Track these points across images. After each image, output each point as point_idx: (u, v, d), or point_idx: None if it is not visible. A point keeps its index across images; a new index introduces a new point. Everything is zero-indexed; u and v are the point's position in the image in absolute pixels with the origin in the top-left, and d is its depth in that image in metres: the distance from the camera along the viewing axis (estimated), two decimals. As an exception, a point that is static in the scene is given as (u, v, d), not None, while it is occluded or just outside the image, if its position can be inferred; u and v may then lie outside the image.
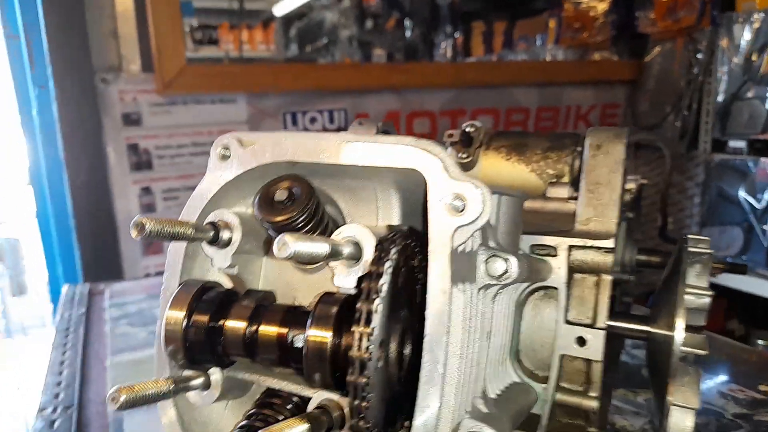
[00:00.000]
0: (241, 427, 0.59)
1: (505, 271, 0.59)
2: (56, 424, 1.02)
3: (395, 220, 0.63)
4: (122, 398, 0.54)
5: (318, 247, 0.51)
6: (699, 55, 3.14)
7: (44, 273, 2.70)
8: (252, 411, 0.61)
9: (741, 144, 3.00)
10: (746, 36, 2.91)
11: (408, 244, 0.57)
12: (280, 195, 0.60)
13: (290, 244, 0.48)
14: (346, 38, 5.59)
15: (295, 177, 0.61)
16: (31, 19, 2.39)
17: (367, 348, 0.48)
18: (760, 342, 2.92)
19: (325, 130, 2.80)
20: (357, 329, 0.48)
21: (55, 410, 1.07)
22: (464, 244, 0.56)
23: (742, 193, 2.95)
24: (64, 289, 1.89)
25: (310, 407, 0.55)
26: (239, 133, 0.67)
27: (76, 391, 1.14)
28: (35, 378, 1.20)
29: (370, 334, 0.48)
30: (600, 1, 3.69)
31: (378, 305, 0.49)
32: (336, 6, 5.89)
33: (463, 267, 0.56)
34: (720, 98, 3.03)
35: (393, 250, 0.53)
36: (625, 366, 1.24)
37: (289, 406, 0.61)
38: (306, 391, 0.57)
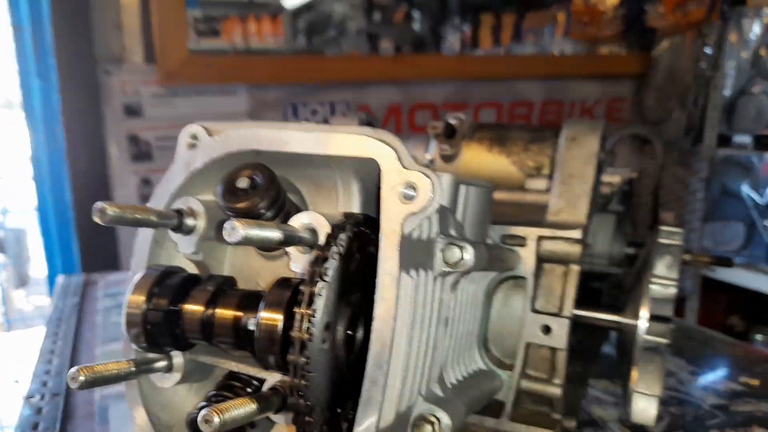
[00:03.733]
0: (201, 407, 0.61)
1: (461, 259, 0.60)
2: (43, 411, 1.04)
3: (355, 208, 0.64)
4: (81, 378, 0.55)
5: (269, 233, 0.52)
6: (707, 50, 3.10)
7: (44, 264, 2.73)
8: (212, 393, 0.63)
9: (746, 139, 2.98)
10: (755, 30, 2.89)
11: (363, 231, 0.58)
12: (242, 182, 0.61)
13: (239, 229, 0.49)
14: (353, 30, 5.58)
15: (257, 165, 0.62)
16: (37, 9, 2.43)
17: (308, 329, 0.49)
18: (757, 337, 2.90)
19: (325, 121, 2.81)
20: (299, 311, 0.50)
21: (42, 397, 1.09)
22: (418, 232, 0.57)
23: (745, 189, 2.93)
24: (60, 279, 1.91)
25: (264, 389, 0.56)
26: (206, 122, 0.68)
27: (65, 379, 1.16)
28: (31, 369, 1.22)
29: (311, 316, 0.49)
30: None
31: (321, 288, 0.50)
32: (345, -2, 5.88)
33: (417, 254, 0.57)
34: (727, 93, 3.00)
35: (342, 236, 0.54)
36: (610, 359, 1.24)
37: (248, 389, 0.62)
38: (262, 374, 0.59)
